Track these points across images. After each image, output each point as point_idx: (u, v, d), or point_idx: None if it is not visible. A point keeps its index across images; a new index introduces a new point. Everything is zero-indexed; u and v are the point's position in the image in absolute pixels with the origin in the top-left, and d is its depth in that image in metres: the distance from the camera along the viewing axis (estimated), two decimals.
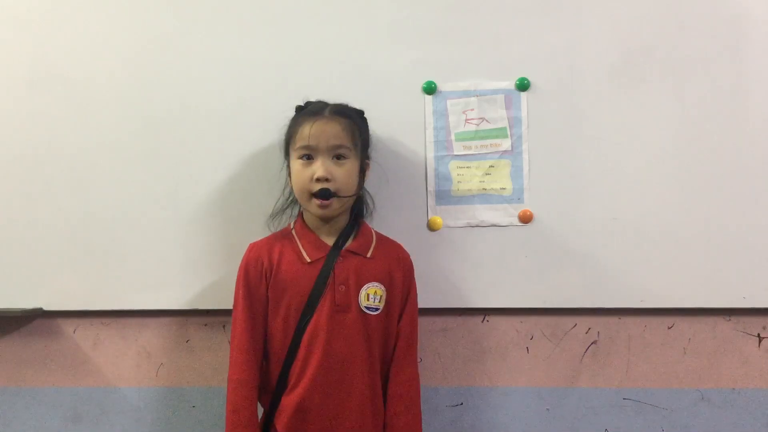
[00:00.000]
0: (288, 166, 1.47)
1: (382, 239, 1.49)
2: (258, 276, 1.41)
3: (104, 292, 1.62)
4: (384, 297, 1.42)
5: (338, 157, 1.40)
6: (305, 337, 1.37)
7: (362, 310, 1.39)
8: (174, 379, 1.66)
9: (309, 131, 1.38)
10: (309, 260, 1.40)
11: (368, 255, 1.43)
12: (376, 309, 1.41)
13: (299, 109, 1.48)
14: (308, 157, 1.39)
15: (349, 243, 1.43)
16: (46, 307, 1.63)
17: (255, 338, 1.40)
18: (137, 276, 1.62)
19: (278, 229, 1.52)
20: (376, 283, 1.41)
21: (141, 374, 1.66)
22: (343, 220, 1.45)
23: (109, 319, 1.66)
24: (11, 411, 1.67)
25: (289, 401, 1.38)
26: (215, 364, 1.65)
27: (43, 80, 1.64)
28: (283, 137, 1.50)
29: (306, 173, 1.39)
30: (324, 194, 1.37)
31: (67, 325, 1.67)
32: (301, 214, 1.48)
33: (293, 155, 1.42)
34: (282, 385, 1.39)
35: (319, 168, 1.37)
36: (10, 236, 1.63)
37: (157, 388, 1.66)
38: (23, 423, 1.67)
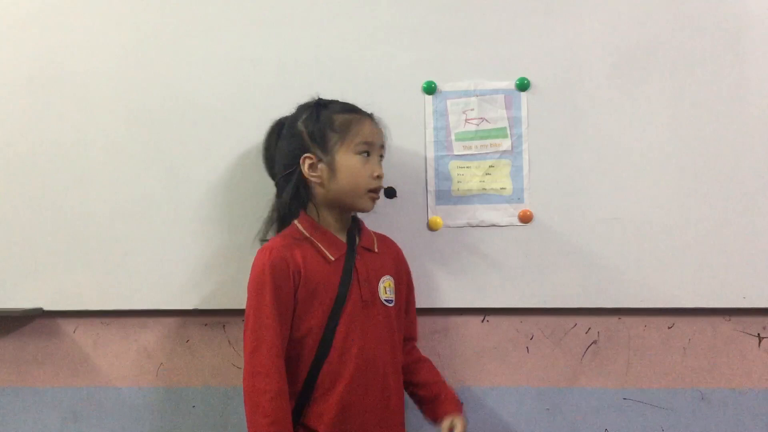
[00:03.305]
0: (317, 159, 1.38)
1: (378, 235, 1.50)
2: (286, 277, 1.34)
3: (104, 292, 1.62)
4: (394, 288, 1.44)
5: (381, 156, 1.44)
6: (338, 336, 1.35)
7: (383, 302, 1.41)
8: (174, 379, 1.66)
9: (370, 129, 1.40)
10: (333, 259, 1.39)
11: (375, 250, 1.45)
12: (391, 301, 1.43)
13: (323, 105, 1.42)
14: (367, 154, 1.40)
15: (359, 240, 1.44)
16: (46, 307, 1.63)
17: (284, 343, 1.34)
18: (137, 276, 1.62)
19: (277, 232, 1.46)
20: (388, 276, 1.44)
21: (141, 374, 1.66)
22: (349, 219, 1.46)
23: (109, 319, 1.66)
24: (11, 411, 1.67)
25: (329, 402, 1.34)
26: (215, 364, 1.65)
27: (43, 79, 1.64)
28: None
29: (366, 169, 1.39)
30: (390, 193, 1.45)
31: (67, 325, 1.67)
32: (305, 215, 1.42)
33: (350, 150, 1.37)
34: (310, 386, 1.35)
35: (379, 167, 1.41)
36: (10, 236, 1.63)
37: (157, 388, 1.66)
38: (23, 423, 1.67)
